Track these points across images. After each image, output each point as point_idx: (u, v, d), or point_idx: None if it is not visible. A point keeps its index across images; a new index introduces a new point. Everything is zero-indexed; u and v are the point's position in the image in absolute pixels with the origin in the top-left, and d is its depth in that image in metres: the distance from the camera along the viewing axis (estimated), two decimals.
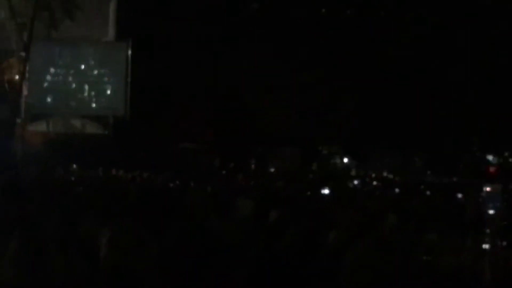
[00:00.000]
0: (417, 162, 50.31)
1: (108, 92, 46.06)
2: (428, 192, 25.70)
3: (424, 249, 7.38)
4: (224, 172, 39.63)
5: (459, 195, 22.30)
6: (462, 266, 6.43)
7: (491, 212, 7.18)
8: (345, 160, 50.51)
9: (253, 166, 47.25)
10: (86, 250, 4.34)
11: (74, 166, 33.26)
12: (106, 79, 46.16)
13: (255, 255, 5.05)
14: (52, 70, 45.40)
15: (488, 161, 51.47)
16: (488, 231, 6.83)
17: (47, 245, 3.71)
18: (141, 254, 3.95)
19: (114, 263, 3.87)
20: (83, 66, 45.82)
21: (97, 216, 6.59)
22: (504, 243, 7.34)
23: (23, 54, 40.59)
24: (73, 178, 21.19)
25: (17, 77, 43.67)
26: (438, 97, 44.83)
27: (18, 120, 41.80)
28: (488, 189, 8.13)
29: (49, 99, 45.60)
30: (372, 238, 4.44)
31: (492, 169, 48.19)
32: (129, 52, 45.33)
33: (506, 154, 52.55)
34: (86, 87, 45.86)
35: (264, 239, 6.34)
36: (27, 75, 42.02)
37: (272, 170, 44.62)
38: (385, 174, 47.17)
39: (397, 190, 26.72)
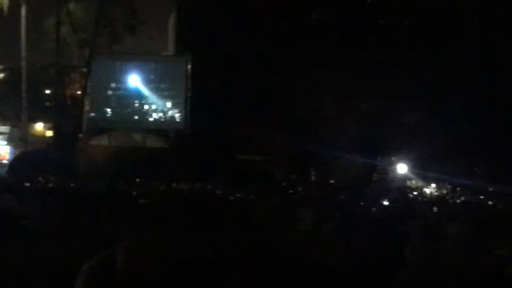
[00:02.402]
0: (478, 173, 49.14)
1: (168, 105, 46.48)
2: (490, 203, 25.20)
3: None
4: (284, 184, 39.47)
5: None
6: None
7: None
8: (405, 170, 49.75)
9: (313, 177, 47.00)
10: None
11: (137, 180, 33.37)
12: (166, 93, 46.58)
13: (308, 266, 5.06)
14: (113, 84, 45.98)
15: None
16: None
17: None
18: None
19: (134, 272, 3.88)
20: (143, 80, 46.30)
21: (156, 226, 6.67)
22: None
23: (84, 69, 41.26)
24: (134, 192, 21.34)
25: (79, 92, 44.46)
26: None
27: (80, 135, 42.44)
28: None
29: (110, 113, 46.21)
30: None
31: None
32: (189, 66, 45.68)
33: None
34: (147, 101, 46.36)
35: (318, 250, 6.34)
36: (88, 90, 42.66)
37: (332, 181, 44.26)
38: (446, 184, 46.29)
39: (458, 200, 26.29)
